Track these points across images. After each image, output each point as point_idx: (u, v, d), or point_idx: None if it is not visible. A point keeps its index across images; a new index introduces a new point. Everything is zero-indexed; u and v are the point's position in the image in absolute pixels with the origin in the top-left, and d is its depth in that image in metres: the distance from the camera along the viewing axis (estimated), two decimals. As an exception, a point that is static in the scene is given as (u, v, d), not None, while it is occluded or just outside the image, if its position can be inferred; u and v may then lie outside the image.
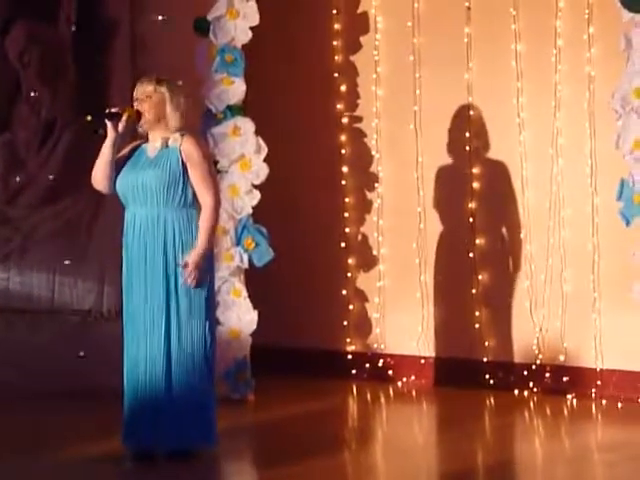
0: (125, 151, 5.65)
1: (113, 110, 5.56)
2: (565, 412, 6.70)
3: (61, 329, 7.47)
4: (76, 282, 7.53)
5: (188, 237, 5.51)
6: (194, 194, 5.53)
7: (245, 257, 6.96)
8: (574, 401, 6.86)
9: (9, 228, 7.80)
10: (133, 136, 5.76)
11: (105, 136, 5.58)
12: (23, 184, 7.79)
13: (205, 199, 5.51)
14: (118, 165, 5.61)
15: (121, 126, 5.55)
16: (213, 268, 5.64)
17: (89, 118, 5.55)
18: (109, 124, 5.55)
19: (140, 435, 5.52)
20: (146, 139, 5.64)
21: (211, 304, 5.59)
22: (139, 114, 5.56)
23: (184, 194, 5.52)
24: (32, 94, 7.75)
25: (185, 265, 5.46)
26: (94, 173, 5.64)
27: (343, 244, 7.72)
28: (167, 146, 5.54)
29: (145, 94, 5.56)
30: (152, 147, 5.59)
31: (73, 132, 7.55)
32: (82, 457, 5.66)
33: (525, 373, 7.08)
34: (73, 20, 7.57)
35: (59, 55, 7.65)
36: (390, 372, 7.52)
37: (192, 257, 5.47)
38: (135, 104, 5.58)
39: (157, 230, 5.50)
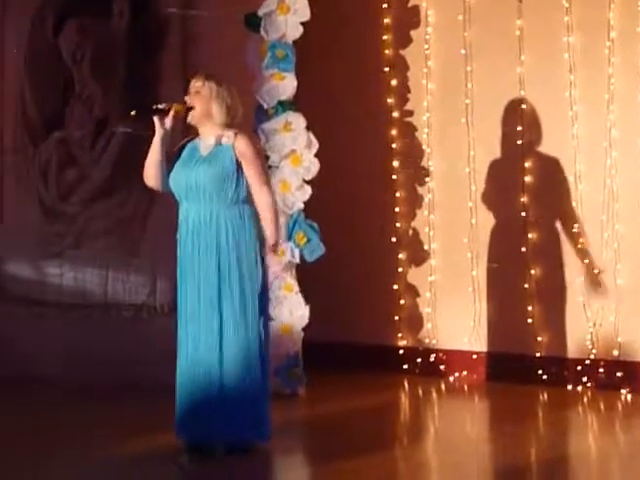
0: (177, 147, 5.67)
1: (160, 106, 5.56)
2: (619, 407, 6.64)
3: (114, 324, 7.52)
4: (129, 277, 7.57)
5: (241, 233, 5.51)
6: (246, 192, 5.54)
7: (297, 252, 6.96)
8: (628, 396, 6.80)
9: (63, 224, 7.87)
10: (184, 131, 5.78)
11: (139, 120, 5.59)
12: (76, 180, 7.85)
13: (262, 195, 5.53)
14: (170, 161, 5.63)
15: (168, 122, 5.57)
16: (265, 263, 5.64)
17: (133, 113, 5.56)
18: (156, 120, 5.56)
19: (194, 430, 5.54)
20: (197, 134, 5.66)
21: (264, 300, 5.59)
22: (187, 109, 5.57)
23: (237, 191, 5.53)
24: (85, 91, 7.81)
25: (274, 249, 5.57)
26: (145, 171, 5.66)
27: (394, 239, 7.70)
28: (220, 144, 5.55)
29: (195, 89, 5.59)
30: (205, 144, 5.60)
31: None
32: (136, 451, 5.69)
33: (579, 368, 7.03)
34: (126, 16, 7.61)
35: (112, 52, 7.68)
36: (442, 367, 7.50)
37: (272, 245, 5.56)
38: (186, 97, 5.61)
39: (210, 227, 5.51)
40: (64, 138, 7.89)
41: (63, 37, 7.87)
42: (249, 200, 5.57)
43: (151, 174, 5.65)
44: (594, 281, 7.00)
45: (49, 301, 7.79)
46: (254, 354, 5.48)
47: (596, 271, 7.02)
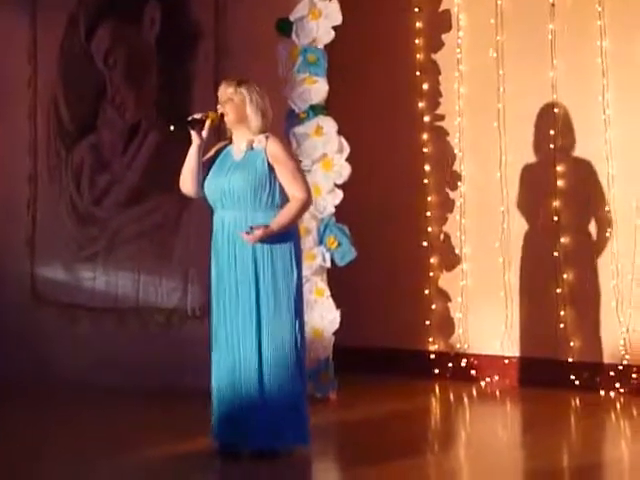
0: (210, 153, 5.68)
1: (196, 116, 5.57)
2: (652, 413, 6.61)
3: (146, 328, 7.55)
4: (161, 281, 7.59)
5: (276, 238, 5.49)
6: (281, 196, 5.54)
7: (327, 256, 6.96)
8: (662, 402, 6.76)
9: (96, 228, 7.91)
10: (217, 136, 5.79)
11: (179, 133, 5.61)
12: (109, 185, 7.89)
13: (296, 191, 5.48)
14: (204, 167, 5.64)
15: (205, 132, 5.58)
16: (300, 268, 5.62)
17: (172, 128, 5.58)
18: (192, 131, 5.57)
19: (231, 434, 5.52)
20: (230, 140, 5.67)
21: (299, 304, 5.58)
22: (222, 117, 5.58)
23: (271, 196, 5.52)
24: (117, 96, 7.85)
25: (251, 229, 5.43)
26: (182, 179, 5.67)
27: (425, 243, 7.69)
28: (252, 148, 5.55)
29: (227, 96, 5.58)
30: (237, 150, 5.61)
31: (157, 134, 7.62)
32: (167, 454, 5.70)
33: (611, 374, 6.99)
34: (158, 22, 7.64)
35: (144, 57, 7.72)
36: (473, 372, 7.48)
37: (261, 230, 5.42)
38: (218, 106, 5.61)
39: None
40: (96, 143, 7.94)
41: (96, 42, 7.92)
42: (284, 206, 5.54)
43: (187, 182, 5.65)
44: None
45: (81, 304, 7.84)
46: (291, 358, 5.48)
47: (629, 276, 6.98)
